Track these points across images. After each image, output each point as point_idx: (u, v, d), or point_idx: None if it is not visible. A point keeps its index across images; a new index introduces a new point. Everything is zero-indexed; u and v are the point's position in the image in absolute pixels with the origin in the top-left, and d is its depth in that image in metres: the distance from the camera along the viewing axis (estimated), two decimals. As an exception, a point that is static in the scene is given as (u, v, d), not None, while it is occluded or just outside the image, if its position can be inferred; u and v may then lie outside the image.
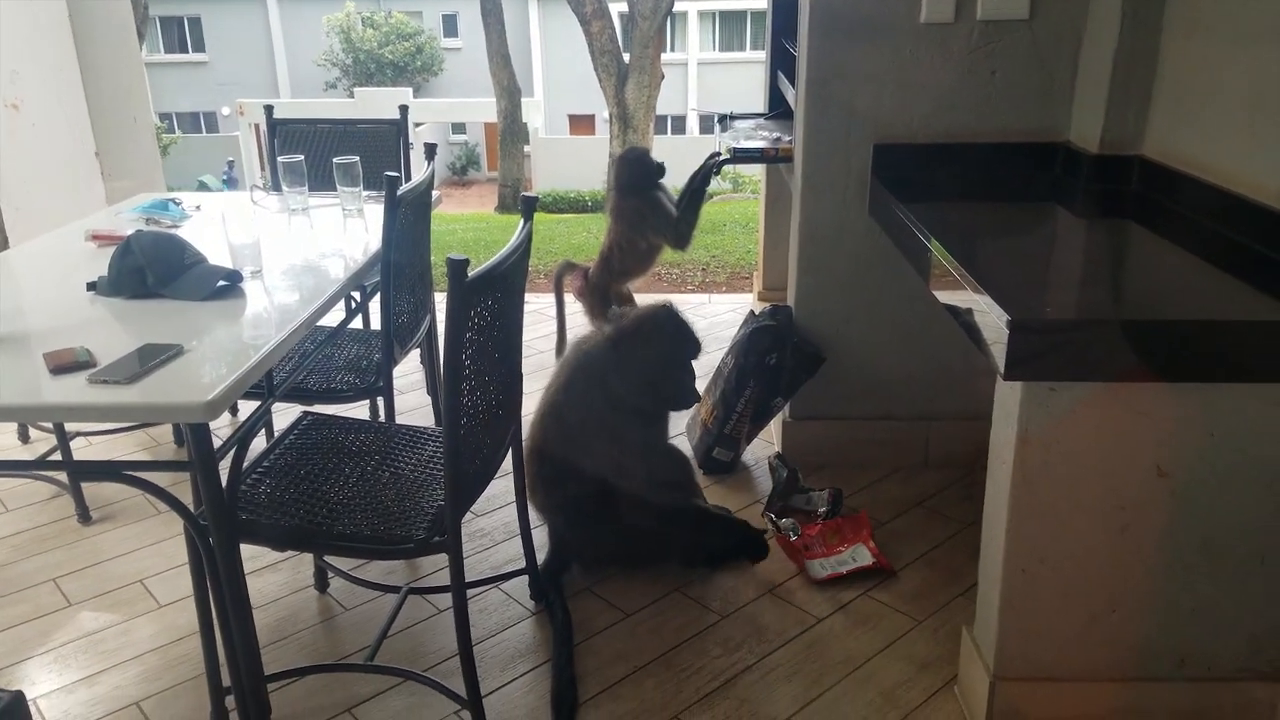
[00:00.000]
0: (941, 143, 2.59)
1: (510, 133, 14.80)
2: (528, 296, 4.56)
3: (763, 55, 3.99)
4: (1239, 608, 1.76)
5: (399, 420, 2.67)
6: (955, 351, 2.77)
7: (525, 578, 2.37)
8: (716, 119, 3.74)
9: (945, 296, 1.92)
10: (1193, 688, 1.81)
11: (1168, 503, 1.69)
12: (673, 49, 22.42)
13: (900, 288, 2.74)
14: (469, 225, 9.15)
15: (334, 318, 2.63)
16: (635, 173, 3.16)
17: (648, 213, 3.16)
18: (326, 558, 2.36)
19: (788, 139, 3.10)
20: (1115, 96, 2.34)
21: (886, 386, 2.86)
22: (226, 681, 1.89)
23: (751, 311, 3.08)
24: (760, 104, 3.99)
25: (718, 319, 4.33)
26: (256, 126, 19.60)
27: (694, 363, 2.37)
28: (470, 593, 2.33)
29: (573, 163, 18.04)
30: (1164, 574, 1.74)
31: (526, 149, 16.53)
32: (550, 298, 4.51)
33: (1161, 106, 2.27)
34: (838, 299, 2.80)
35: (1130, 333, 1.56)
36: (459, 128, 23.15)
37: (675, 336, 2.31)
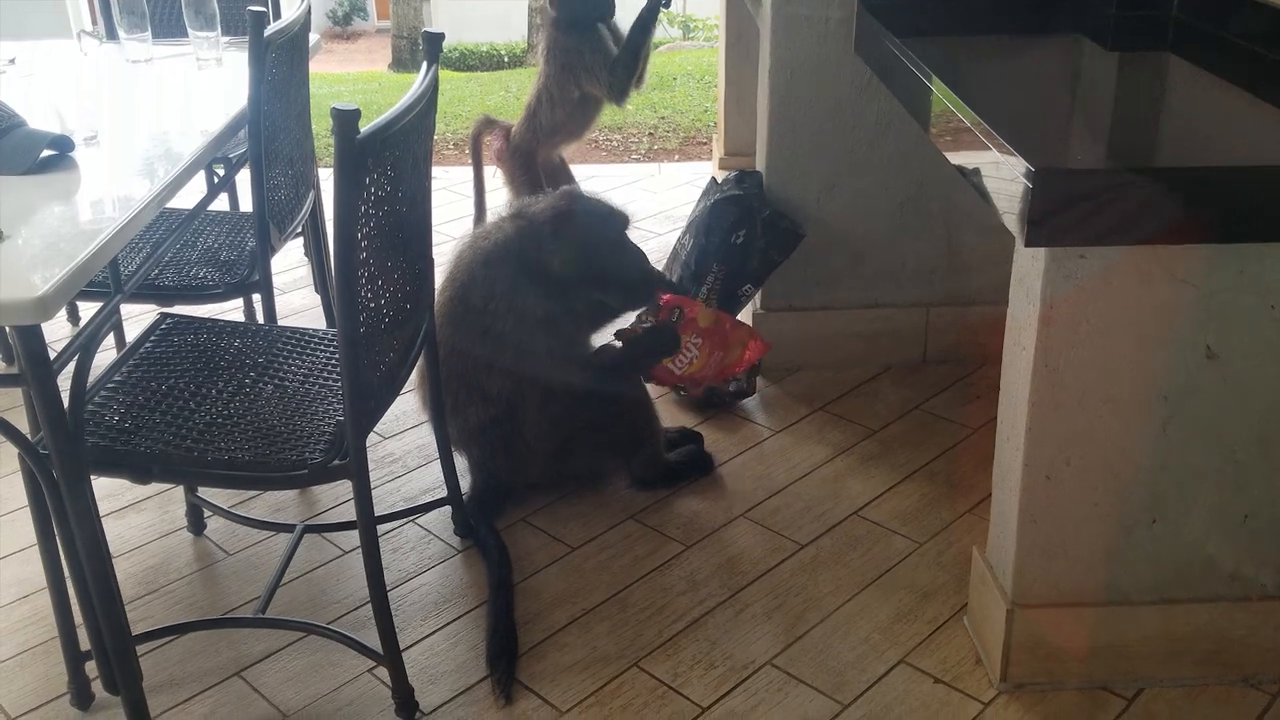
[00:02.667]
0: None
1: (404, -30, 14.28)
2: (435, 170, 4.45)
3: None
4: (1298, 511, 1.80)
5: (282, 324, 2.59)
6: (962, 221, 2.77)
7: (448, 509, 2.35)
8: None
9: (952, 151, 1.89)
10: (1244, 608, 1.86)
11: (1218, 390, 1.71)
12: None
13: (895, 144, 2.72)
14: (357, 86, 8.87)
15: (192, 198, 2.53)
16: (576, 3, 3.03)
17: (584, 50, 3.06)
18: (200, 492, 2.32)
19: (753, -38, 3.01)
20: (1154, -102, 2.29)
21: (878, 267, 2.86)
22: (85, 644, 1.86)
23: (713, 179, 3.03)
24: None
25: (671, 194, 4.28)
26: (81, -34, 18.63)
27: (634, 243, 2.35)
28: (381, 529, 2.31)
29: (483, 7, 17.51)
30: (1213, 475, 1.77)
31: (426, -9, 15.99)
32: (464, 171, 4.41)
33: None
34: (818, 161, 2.76)
35: (1172, 184, 1.54)
36: (340, -35, 22.27)
37: (592, 223, 2.27)
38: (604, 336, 2.47)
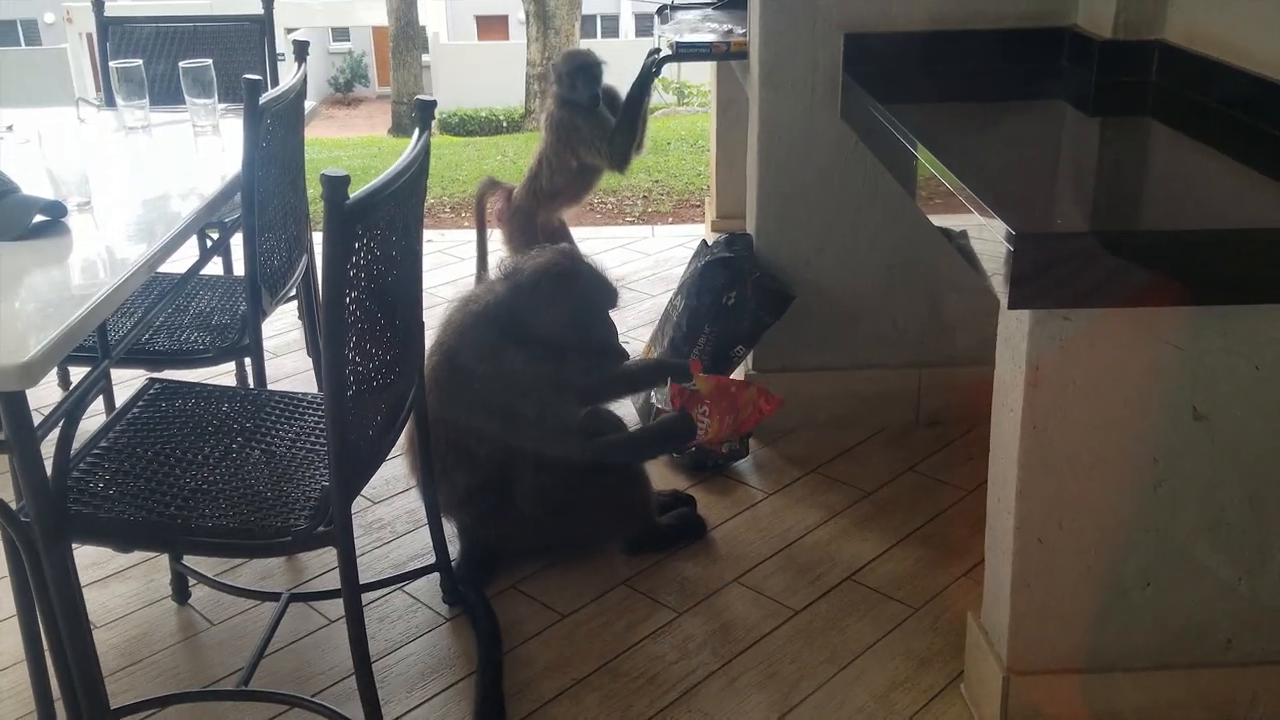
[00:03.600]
0: (925, 30, 2.56)
1: (405, 38, 14.50)
2: (428, 234, 4.47)
3: (710, -66, 3.92)
4: (1292, 574, 1.78)
5: (273, 388, 2.58)
6: (950, 282, 2.77)
7: (436, 575, 2.32)
8: (656, 11, 3.67)
9: (937, 215, 1.90)
10: (1241, 673, 1.83)
11: (1207, 451, 1.69)
12: (601, -67, 22.10)
13: (882, 207, 2.73)
14: (356, 151, 8.96)
15: (185, 263, 2.54)
16: (575, 80, 3.13)
17: (580, 124, 3.12)
18: (185, 559, 2.29)
19: (741, 31, 3.05)
20: (1132, -32, 2.32)
21: (869, 329, 2.86)
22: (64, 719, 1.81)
23: (704, 242, 3.05)
24: (708, -8, 3.93)
25: (664, 255, 4.30)
26: (89, 37, 18.90)
27: (620, 312, 2.35)
28: (368, 596, 2.28)
29: (482, 74, 17.73)
30: (1206, 538, 1.75)
31: (425, 58, 16.25)
32: (460, 234, 4.43)
33: (1186, -21, 2.26)
34: (807, 224, 2.78)
35: (1156, 246, 1.55)
36: (341, 34, 22.60)
37: (585, 287, 2.26)
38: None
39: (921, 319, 2.84)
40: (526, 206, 3.30)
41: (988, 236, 1.59)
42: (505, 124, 15.20)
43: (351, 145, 10.16)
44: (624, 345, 2.33)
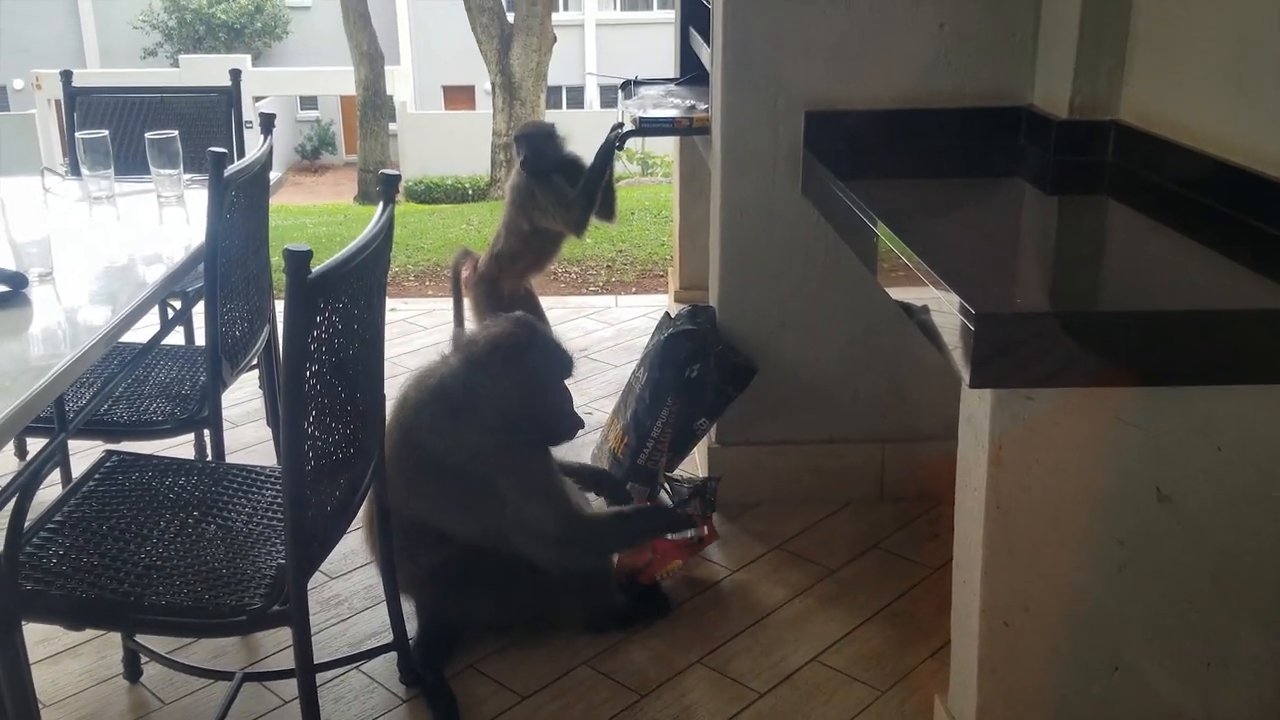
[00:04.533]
0: (884, 109, 2.60)
1: (372, 107, 14.58)
2: (392, 302, 4.45)
3: (672, 16, 3.99)
4: (1264, 656, 1.76)
5: (230, 460, 2.53)
6: (912, 358, 2.76)
7: (393, 655, 2.25)
8: (620, 86, 3.71)
9: (897, 291, 1.91)
10: (1207, 756, 1.81)
11: (1172, 532, 1.69)
12: (566, 8, 22.47)
13: (843, 282, 2.74)
14: (322, 218, 8.94)
15: (147, 332, 2.50)
16: (533, 150, 3.17)
17: (537, 191, 3.15)
18: (138, 637, 2.21)
19: (703, 106, 3.08)
20: (1085, 51, 2.37)
21: (831, 402, 2.85)
22: (5, 805, 1.74)
23: (667, 314, 3.04)
24: (669, 70, 3.98)
25: (627, 325, 4.29)
26: (57, 103, 18.81)
27: (576, 383, 2.34)
28: (323, 675, 2.21)
29: (448, 143, 17.85)
30: (1173, 621, 1.73)
31: (392, 127, 16.34)
32: (425, 303, 4.41)
33: (1139, 61, 2.31)
34: (769, 297, 2.79)
35: (1116, 327, 1.56)
36: (309, 102, 22.71)
37: (539, 356, 2.24)
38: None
39: (884, 393, 2.84)
40: (490, 274, 3.32)
41: (948, 312, 1.59)
42: (471, 192, 15.28)
43: (317, 212, 10.14)
44: (580, 414, 2.30)
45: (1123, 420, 1.63)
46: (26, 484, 1.79)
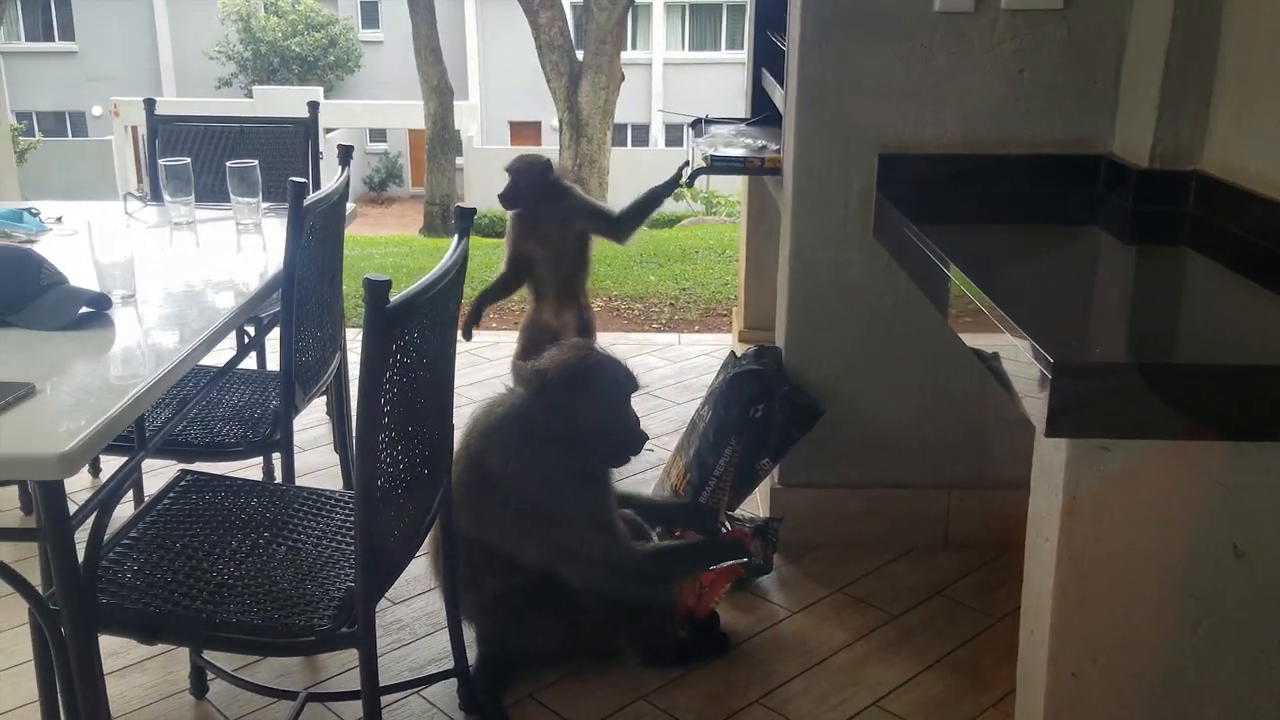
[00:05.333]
0: (960, 154, 2.61)
1: (440, 141, 14.86)
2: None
3: (741, 55, 4.04)
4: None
5: (299, 483, 2.59)
6: (982, 404, 2.77)
7: (454, 681, 2.28)
8: (689, 124, 3.75)
9: (970, 336, 1.90)
10: (1277, 818, 1.76)
11: (1248, 590, 1.66)
12: (634, 46, 22.74)
13: (914, 324, 2.74)
14: (388, 249, 9.09)
15: (222, 355, 2.57)
16: (512, 185, 3.34)
17: (576, 205, 3.36)
18: (205, 653, 2.26)
19: (775, 147, 3.11)
20: (1168, 99, 2.36)
21: (898, 447, 2.84)
22: (74, 813, 1.78)
23: (732, 353, 3.06)
24: (739, 110, 4.02)
25: (690, 364, 4.32)
26: (134, 130, 19.43)
27: (644, 420, 2.36)
28: (384, 699, 2.24)
29: (514, 178, 18.06)
30: (1246, 679, 1.70)
31: (459, 161, 16.60)
32: (490, 335, 4.47)
33: (1224, 111, 2.30)
34: (837, 339, 2.79)
35: (1197, 380, 1.55)
36: (378, 135, 23.20)
37: (602, 374, 2.29)
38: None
39: (952, 439, 2.83)
40: (532, 317, 3.49)
41: (1023, 360, 1.59)
42: (534, 227, 15.44)
43: (384, 243, 10.31)
44: (645, 433, 2.34)
45: (1202, 474, 1.61)
46: (106, 500, 1.84)
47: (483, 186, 18.35)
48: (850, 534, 2.87)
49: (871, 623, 2.56)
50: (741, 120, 3.78)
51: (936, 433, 2.83)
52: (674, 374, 4.19)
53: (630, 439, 2.31)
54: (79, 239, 2.63)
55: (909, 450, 2.84)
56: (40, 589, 1.72)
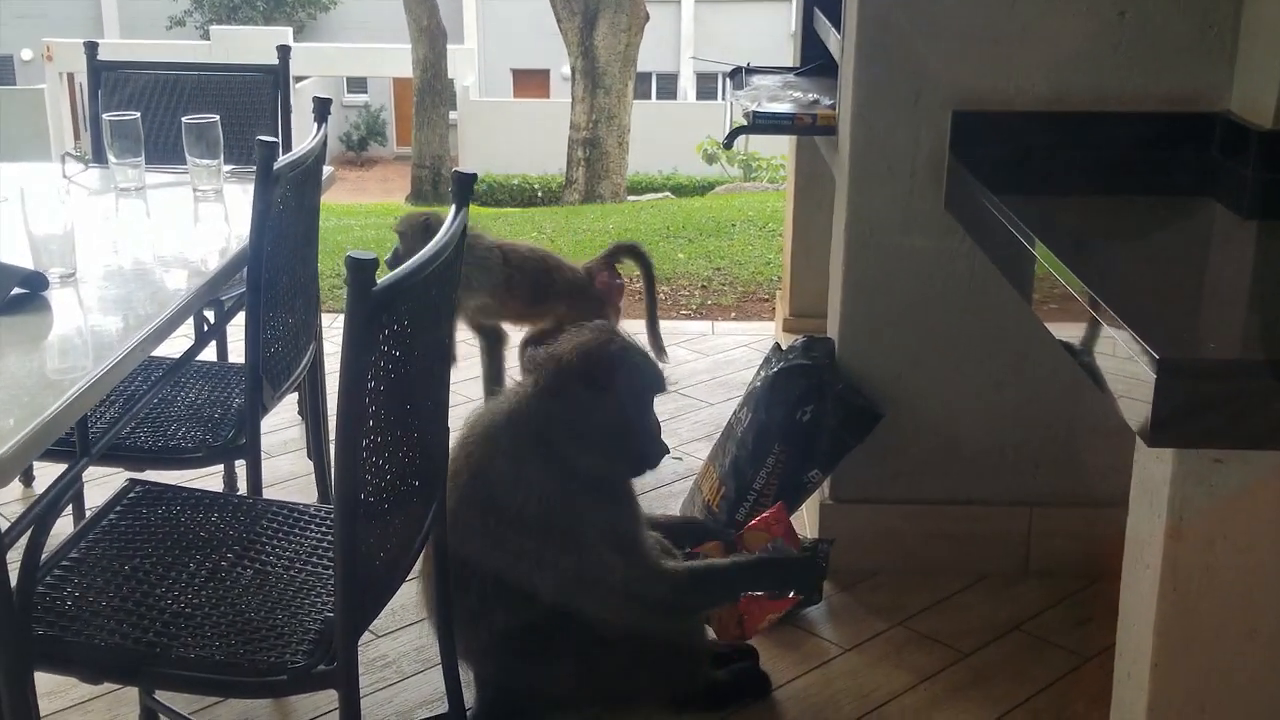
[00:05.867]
0: (1051, 111, 2.60)
1: (431, 92, 14.92)
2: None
3: (786, -7, 4.04)
4: None
5: (266, 494, 2.61)
6: (1071, 407, 2.77)
7: (448, 727, 2.30)
8: (728, 74, 3.76)
9: (1059, 328, 1.91)
10: None
11: (1385, 628, 1.66)
12: (660, -19, 22.73)
13: (991, 314, 2.75)
14: (370, 220, 9.14)
15: (177, 345, 2.59)
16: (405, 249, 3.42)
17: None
18: (159, 694, 2.29)
19: (829, 102, 3.11)
20: (1297, 49, 2.36)
21: (970, 457, 2.85)
22: None
23: (776, 345, 3.07)
24: (785, 57, 4.02)
25: (725, 357, 4.33)
26: (70, 77, 19.57)
27: (664, 421, 2.37)
28: (368, 748, 2.26)
29: (516, 136, 18.19)
30: (1379, 731, 1.71)
31: (452, 116, 16.66)
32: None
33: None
34: (901, 330, 2.80)
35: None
36: (357, 85, 23.32)
37: (628, 366, 2.27)
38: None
39: (1035, 448, 2.83)
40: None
41: (1123, 355, 1.59)
42: (541, 194, 15.53)
43: (365, 213, 10.37)
44: (665, 444, 2.34)
45: (1333, 492, 1.62)
46: (43, 514, 1.87)
47: (481, 146, 18.45)
48: (914, 558, 2.88)
49: (938, 662, 2.57)
50: (789, 70, 3.78)
51: (1016, 441, 2.83)
52: (706, 369, 4.20)
53: (647, 450, 2.31)
54: (9, 207, 2.66)
55: (983, 460, 2.84)
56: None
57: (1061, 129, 2.60)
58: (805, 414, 2.77)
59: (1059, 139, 2.61)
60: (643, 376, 2.31)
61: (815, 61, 3.67)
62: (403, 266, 1.72)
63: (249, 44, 18.34)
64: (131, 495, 2.16)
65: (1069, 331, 1.85)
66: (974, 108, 2.62)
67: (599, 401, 2.23)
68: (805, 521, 3.03)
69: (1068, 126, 2.60)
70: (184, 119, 2.81)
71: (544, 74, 23.27)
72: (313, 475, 3.20)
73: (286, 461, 3.47)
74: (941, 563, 2.88)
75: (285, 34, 19.83)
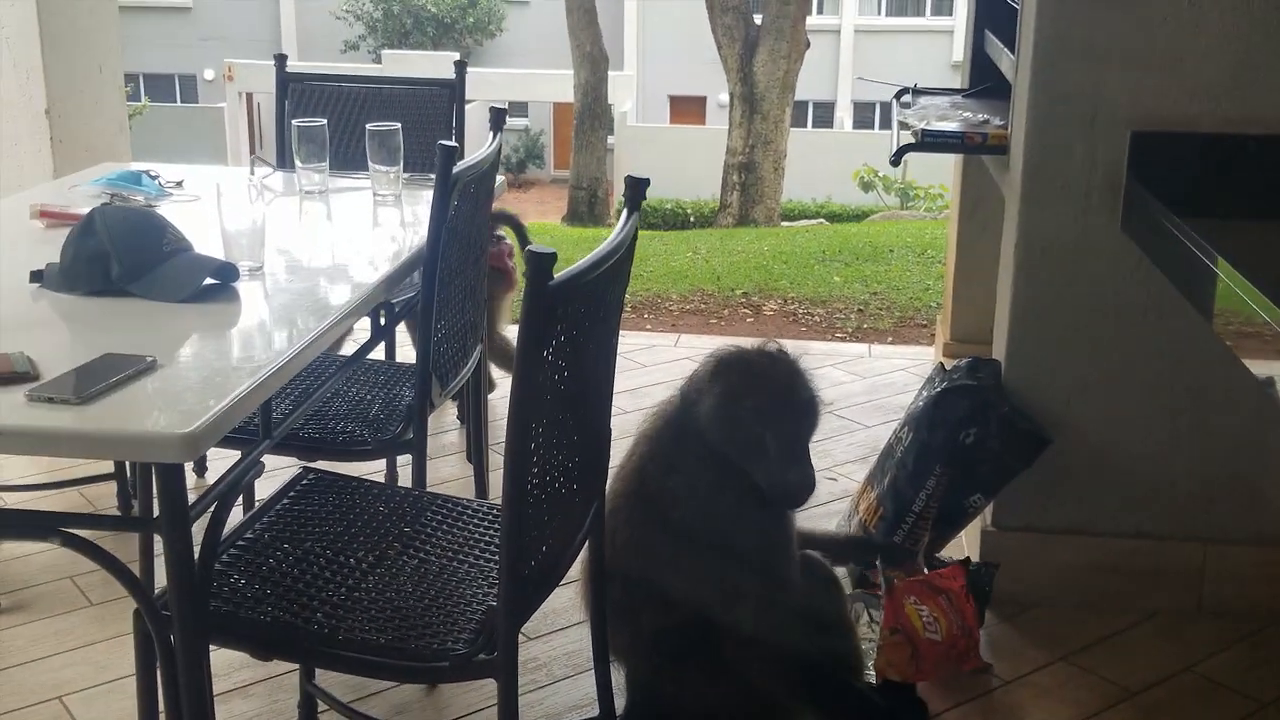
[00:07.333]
0: (1236, 133, 2.53)
1: (590, 116, 15.12)
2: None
3: (949, 22, 4.03)
4: None
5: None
6: (1253, 439, 2.69)
7: (598, 732, 2.31)
8: (895, 95, 3.72)
9: (1249, 357, 1.83)
10: None
11: None
12: (821, 10, 22.68)
13: (1170, 340, 2.68)
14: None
15: (345, 346, 2.66)
16: None
17: None
18: (318, 681, 2.35)
19: (999, 121, 3.06)
20: None
21: (1143, 488, 2.78)
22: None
23: (940, 365, 3.02)
24: (946, 82, 3.97)
25: (882, 380, 4.29)
26: (249, 96, 20.41)
27: (818, 442, 2.35)
28: (517, 748, 2.28)
29: (670, 161, 18.26)
30: None
31: (610, 140, 16.84)
32: (639, 337, 4.54)
33: None
34: (1071, 354, 2.74)
35: None
36: (517, 108, 23.73)
37: (788, 395, 2.20)
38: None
39: (1212, 481, 2.74)
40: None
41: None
42: (693, 219, 15.58)
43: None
44: (821, 478, 2.30)
45: None
46: (225, 494, 1.93)
47: (637, 171, 18.48)
48: (1079, 591, 2.81)
49: (1103, 700, 2.50)
50: (957, 91, 3.73)
51: (1193, 472, 2.74)
52: (863, 391, 4.16)
53: (791, 487, 2.19)
54: (200, 206, 2.78)
55: (1156, 492, 2.77)
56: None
57: (1248, 150, 2.52)
58: (969, 436, 2.72)
59: (1250, 163, 2.52)
60: (795, 408, 2.22)
61: (984, 83, 3.61)
62: (576, 264, 1.74)
63: (418, 68, 18.86)
64: (304, 483, 2.22)
65: (1257, 359, 1.78)
66: (1155, 127, 2.56)
67: (739, 425, 2.18)
68: (965, 547, 2.97)
69: (1256, 148, 2.52)
70: (368, 125, 2.89)
71: (700, 101, 23.39)
72: (467, 479, 3.26)
73: (444, 465, 3.53)
74: (1108, 597, 2.80)
75: (452, 58, 20.30)
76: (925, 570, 2.66)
